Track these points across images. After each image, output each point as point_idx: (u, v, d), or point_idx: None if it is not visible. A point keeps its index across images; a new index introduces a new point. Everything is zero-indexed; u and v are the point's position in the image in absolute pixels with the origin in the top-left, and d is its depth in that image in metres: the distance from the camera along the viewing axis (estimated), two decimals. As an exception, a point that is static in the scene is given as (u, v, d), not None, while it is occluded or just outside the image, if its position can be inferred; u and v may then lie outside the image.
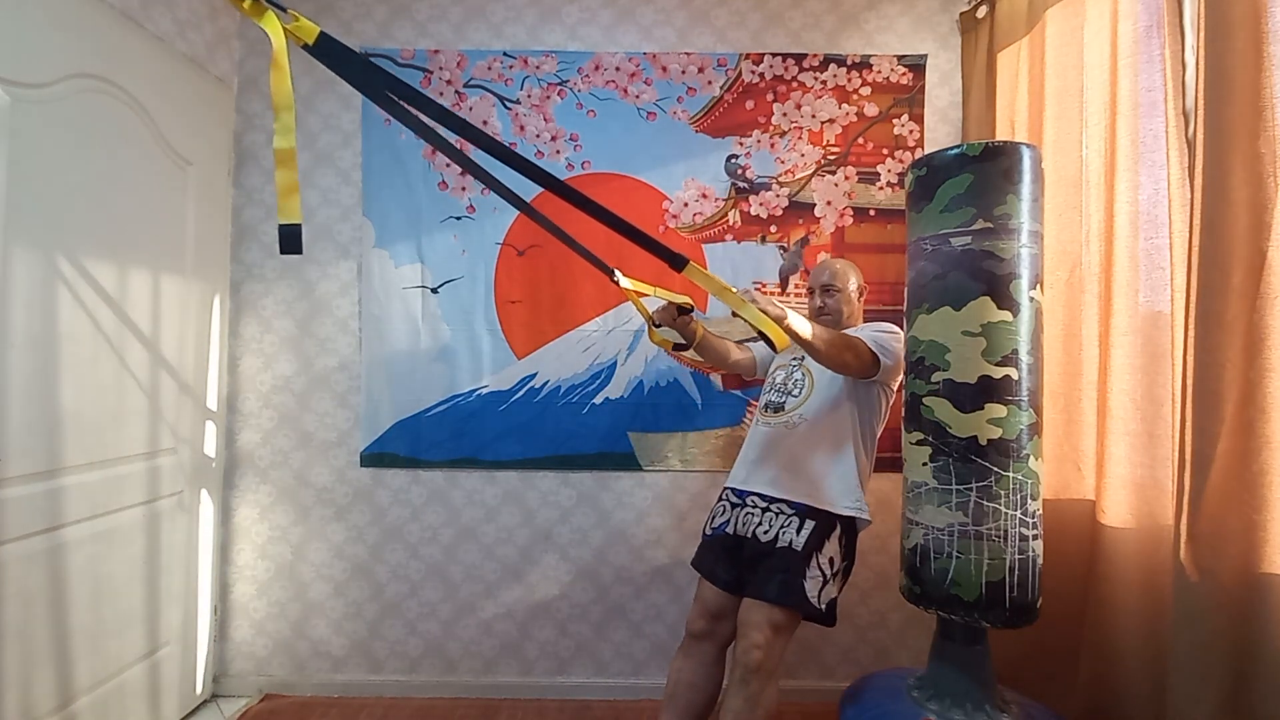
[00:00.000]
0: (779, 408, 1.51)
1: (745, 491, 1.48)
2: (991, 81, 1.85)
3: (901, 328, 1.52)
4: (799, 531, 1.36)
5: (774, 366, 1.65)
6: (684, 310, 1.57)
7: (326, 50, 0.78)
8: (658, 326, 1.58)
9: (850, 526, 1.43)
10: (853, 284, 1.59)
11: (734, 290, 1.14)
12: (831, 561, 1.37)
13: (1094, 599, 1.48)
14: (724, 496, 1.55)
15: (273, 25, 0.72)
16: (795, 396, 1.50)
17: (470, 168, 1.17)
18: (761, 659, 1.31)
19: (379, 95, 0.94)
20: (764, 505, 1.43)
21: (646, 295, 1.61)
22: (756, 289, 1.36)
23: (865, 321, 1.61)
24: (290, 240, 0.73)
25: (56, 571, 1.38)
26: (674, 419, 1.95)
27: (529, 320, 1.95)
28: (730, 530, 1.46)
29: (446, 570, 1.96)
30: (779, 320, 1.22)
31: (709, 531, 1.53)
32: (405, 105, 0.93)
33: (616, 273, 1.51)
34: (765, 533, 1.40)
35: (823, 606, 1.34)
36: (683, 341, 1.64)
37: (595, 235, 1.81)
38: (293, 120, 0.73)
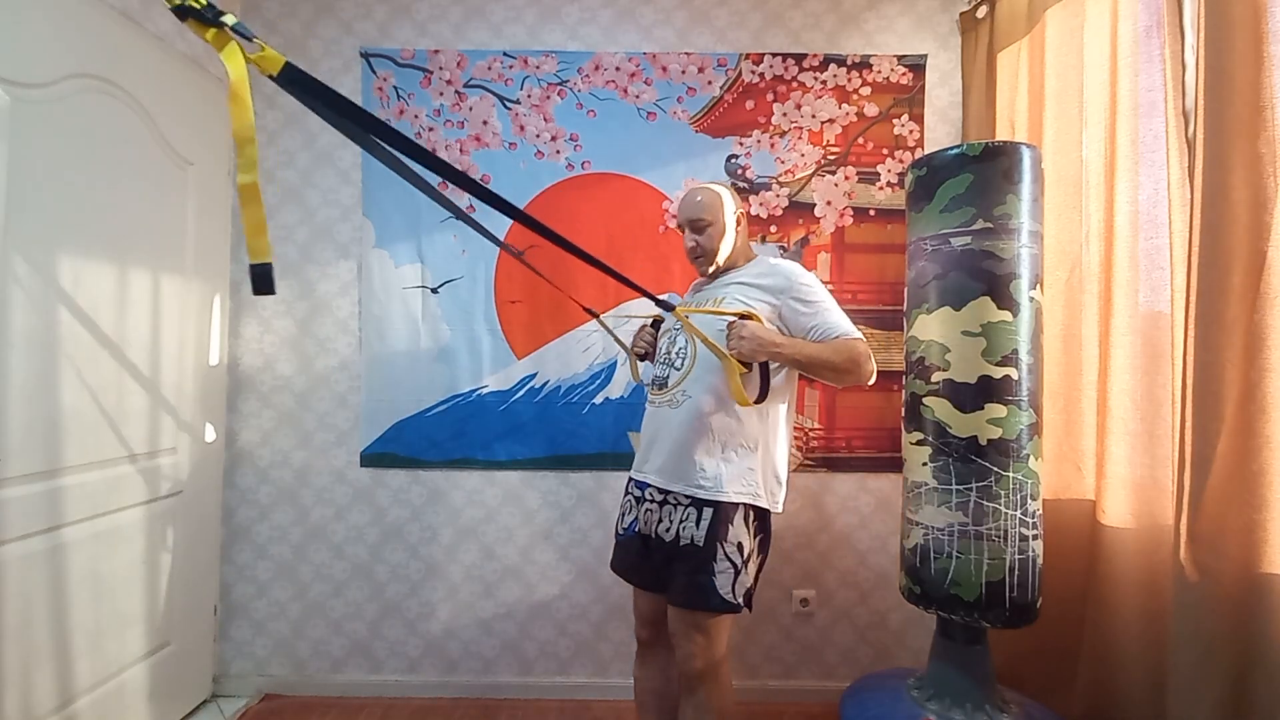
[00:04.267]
0: (663, 383, 1.35)
1: (642, 483, 1.36)
2: (991, 81, 1.85)
3: (901, 328, 1.52)
4: (698, 524, 1.25)
5: (661, 332, 1.45)
6: (656, 325, 1.49)
7: (293, 81, 0.76)
8: (642, 358, 1.49)
9: (755, 508, 1.29)
10: (728, 212, 1.34)
11: (721, 344, 1.22)
12: (740, 548, 1.24)
13: (1094, 599, 1.48)
14: (628, 488, 1.43)
15: (234, 58, 0.69)
16: (678, 369, 1.32)
17: (443, 202, 1.17)
18: (700, 666, 1.24)
19: (347, 127, 0.91)
20: (660, 498, 1.31)
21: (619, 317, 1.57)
22: (754, 320, 1.21)
23: (754, 255, 1.42)
24: (262, 280, 0.70)
25: (56, 571, 1.37)
26: (674, 419, 1.95)
27: (529, 320, 1.95)
28: (638, 530, 1.36)
29: (446, 570, 1.96)
30: (775, 353, 1.19)
31: (620, 532, 1.43)
32: (376, 139, 0.90)
33: (598, 315, 1.53)
34: (667, 530, 1.29)
35: (739, 600, 1.24)
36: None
37: (595, 242, 1.82)
38: (255, 154, 0.70)
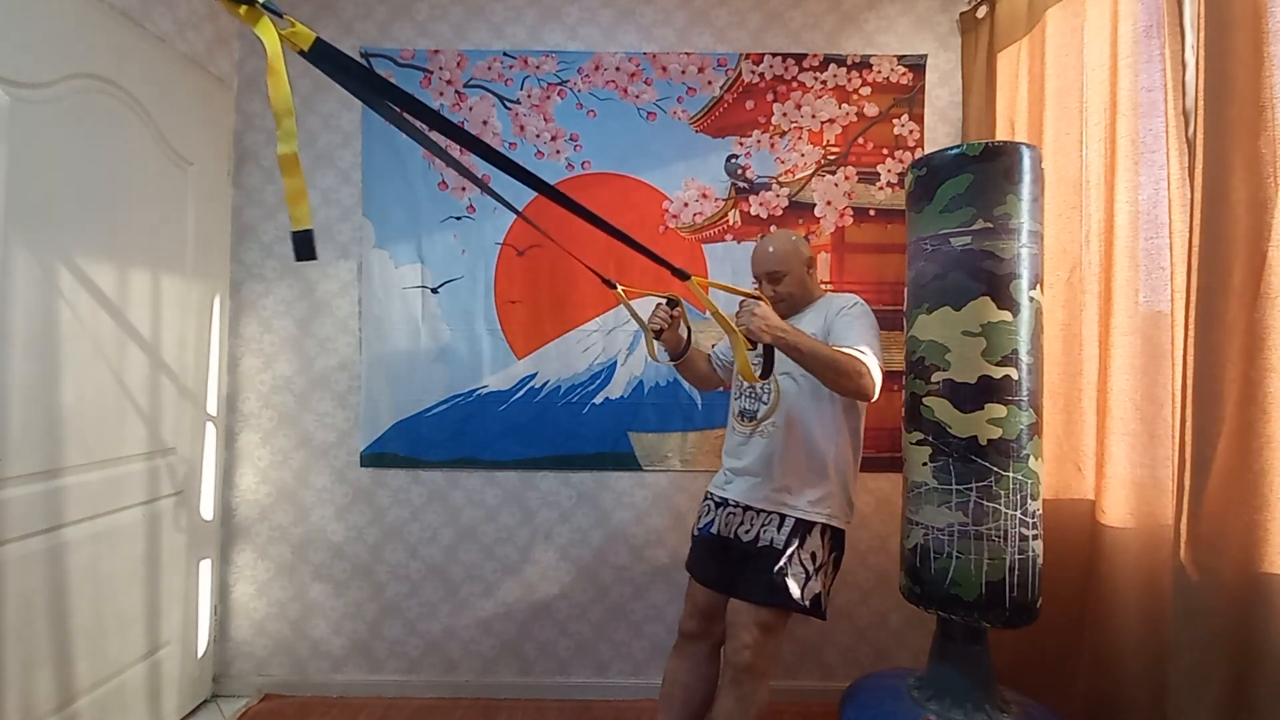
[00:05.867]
0: (751, 416, 1.45)
1: (725, 498, 1.47)
2: (991, 81, 1.85)
3: (901, 328, 1.52)
4: (779, 529, 1.35)
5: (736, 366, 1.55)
6: (673, 303, 1.50)
7: (322, 56, 0.77)
8: (658, 336, 1.50)
9: (832, 528, 1.39)
10: (800, 259, 1.44)
11: (731, 316, 1.23)
12: (814, 556, 1.34)
13: (1094, 599, 1.48)
14: (708, 497, 1.53)
15: (268, 32, 0.71)
16: (765, 403, 1.43)
17: (468, 175, 1.17)
18: (751, 659, 1.30)
19: (376, 102, 0.94)
20: (743, 507, 1.42)
21: (638, 297, 1.56)
22: (759, 299, 1.27)
23: (822, 293, 1.50)
24: (304, 246, 0.72)
25: (56, 571, 1.38)
26: (674, 419, 1.95)
27: (529, 320, 1.95)
28: (715, 531, 1.45)
29: (446, 570, 1.96)
30: (780, 338, 1.22)
31: (696, 532, 1.52)
32: (402, 112, 0.92)
33: (619, 286, 1.50)
34: (747, 532, 1.39)
35: (807, 603, 1.31)
36: (679, 352, 1.56)
37: (598, 237, 1.79)
38: (294, 125, 0.72)
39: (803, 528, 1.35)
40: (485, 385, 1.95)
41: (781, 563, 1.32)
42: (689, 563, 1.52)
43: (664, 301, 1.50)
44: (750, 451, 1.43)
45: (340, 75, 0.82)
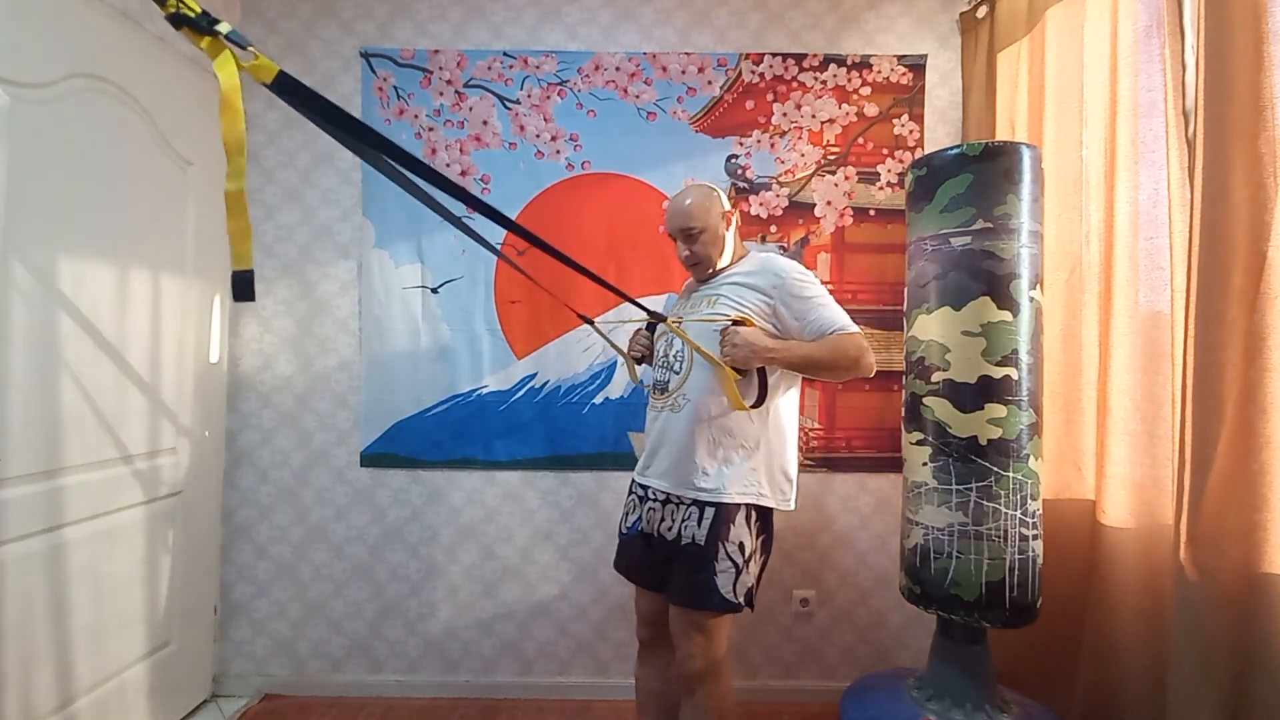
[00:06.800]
0: (663, 387, 1.34)
1: (645, 485, 1.37)
2: (991, 81, 1.85)
3: (901, 328, 1.52)
4: (700, 523, 1.25)
5: (657, 334, 1.43)
6: (651, 329, 1.48)
7: (286, 89, 0.77)
8: (639, 361, 1.48)
9: (758, 507, 1.28)
10: (715, 214, 1.32)
11: (714, 353, 1.24)
12: (741, 547, 1.24)
13: (1094, 599, 1.48)
14: (632, 489, 1.43)
15: (226, 67, 0.70)
16: (676, 373, 1.31)
17: (437, 209, 1.17)
18: (700, 666, 1.24)
19: (341, 136, 0.92)
20: (663, 498, 1.32)
21: (618, 314, 1.53)
22: (747, 325, 1.22)
23: (745, 251, 1.41)
24: (243, 287, 0.72)
25: (56, 571, 1.38)
26: (674, 419, 1.95)
27: (529, 320, 1.95)
28: (641, 529, 1.37)
29: (446, 570, 1.96)
30: (770, 359, 1.20)
31: (624, 531, 1.42)
32: (369, 148, 0.91)
33: (593, 320, 1.51)
34: (669, 529, 1.29)
35: (740, 599, 1.23)
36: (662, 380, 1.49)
37: (596, 242, 1.82)
38: (244, 163, 0.72)
39: (724, 515, 1.24)
40: (485, 385, 1.95)
41: (707, 561, 1.23)
42: (619, 565, 1.44)
43: (643, 328, 1.49)
44: (661, 427, 1.33)
45: (304, 108, 0.81)
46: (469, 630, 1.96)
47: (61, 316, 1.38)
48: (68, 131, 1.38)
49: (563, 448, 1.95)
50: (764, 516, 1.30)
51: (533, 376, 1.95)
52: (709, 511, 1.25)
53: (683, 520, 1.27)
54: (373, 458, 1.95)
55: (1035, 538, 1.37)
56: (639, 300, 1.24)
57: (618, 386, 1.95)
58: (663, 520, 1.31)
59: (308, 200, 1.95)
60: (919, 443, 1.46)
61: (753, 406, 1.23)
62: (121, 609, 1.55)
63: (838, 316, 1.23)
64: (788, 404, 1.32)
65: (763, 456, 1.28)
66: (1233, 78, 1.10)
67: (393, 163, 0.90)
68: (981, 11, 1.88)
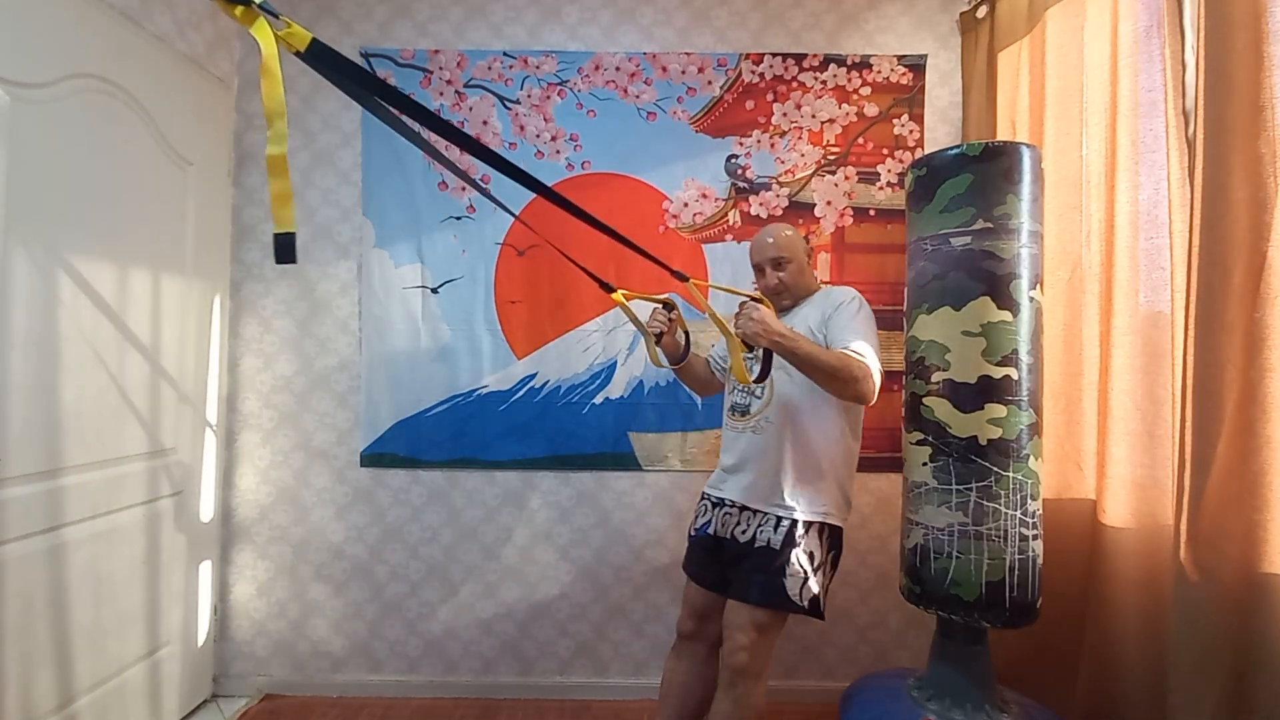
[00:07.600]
0: (744, 410, 1.44)
1: (721, 498, 1.45)
2: (991, 81, 1.85)
3: (901, 328, 1.52)
4: (775, 529, 1.33)
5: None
6: (669, 307, 1.50)
7: (319, 57, 0.78)
8: (659, 340, 1.49)
9: (829, 525, 1.37)
10: (802, 248, 1.45)
11: (729, 318, 1.25)
12: (811, 556, 1.32)
13: (1094, 599, 1.48)
14: (704, 497, 1.51)
15: (264, 33, 0.71)
16: (758, 398, 1.41)
17: (464, 177, 1.18)
18: (747, 661, 1.29)
19: (372, 103, 0.94)
20: (739, 506, 1.40)
21: (635, 298, 1.53)
22: (759, 303, 1.25)
23: (820, 286, 1.49)
24: (285, 249, 0.73)
25: (56, 571, 1.38)
26: (674, 419, 1.95)
27: (529, 320, 1.95)
28: (711, 531, 1.44)
29: (446, 570, 1.96)
30: (778, 342, 1.22)
31: (693, 533, 1.50)
32: (400, 114, 0.92)
33: (616, 290, 1.48)
34: (743, 533, 1.37)
35: (805, 604, 1.30)
36: (679, 356, 1.54)
37: (598, 238, 1.80)
38: (285, 127, 0.73)
39: (799, 527, 1.33)
40: (485, 385, 1.95)
41: (778, 563, 1.30)
42: (686, 564, 1.51)
43: (660, 305, 1.50)
44: (743, 448, 1.42)
45: (336, 76, 0.82)
46: (469, 630, 1.96)
47: (61, 316, 1.38)
48: (68, 131, 1.38)
49: (563, 448, 1.95)
50: (835, 534, 1.38)
51: (533, 376, 1.95)
52: (785, 522, 1.33)
53: (759, 526, 1.35)
54: (373, 458, 1.95)
55: (1035, 538, 1.37)
56: (665, 263, 1.21)
57: (618, 386, 1.95)
58: (738, 524, 1.39)
59: (308, 200, 1.95)
60: (919, 443, 1.46)
61: (755, 382, 1.28)
62: (121, 609, 1.55)
63: (863, 344, 1.28)
64: (855, 432, 1.42)
65: (832, 479, 1.37)
66: (1233, 78, 1.10)
67: (421, 129, 0.91)
68: (981, 11, 1.88)
